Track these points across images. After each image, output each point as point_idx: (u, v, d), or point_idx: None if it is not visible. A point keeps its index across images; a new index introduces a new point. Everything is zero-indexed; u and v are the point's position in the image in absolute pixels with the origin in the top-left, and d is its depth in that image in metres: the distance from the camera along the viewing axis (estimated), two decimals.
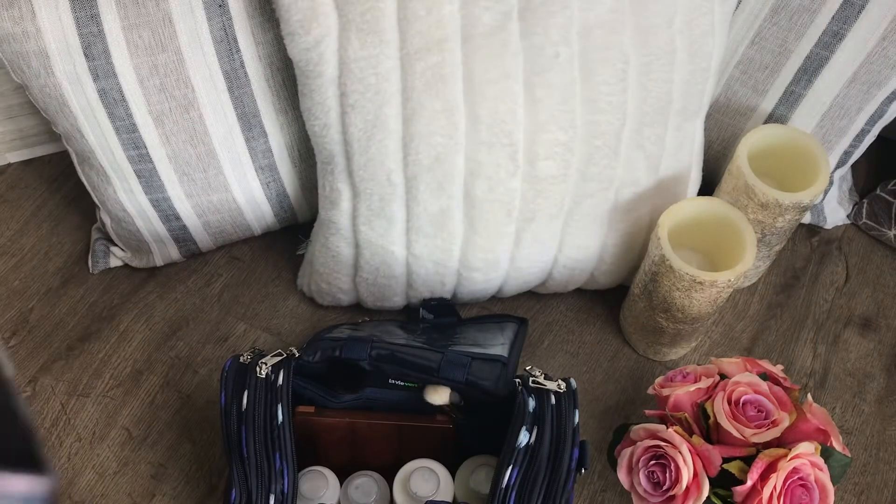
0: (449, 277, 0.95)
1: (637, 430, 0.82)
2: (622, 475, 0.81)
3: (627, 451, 0.82)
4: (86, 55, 0.82)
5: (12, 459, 0.32)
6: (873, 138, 1.05)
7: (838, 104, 0.99)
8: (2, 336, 1.01)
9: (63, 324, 1.02)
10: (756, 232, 0.95)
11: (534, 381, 0.79)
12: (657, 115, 0.86)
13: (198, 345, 1.02)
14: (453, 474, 0.83)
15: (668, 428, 0.79)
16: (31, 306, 1.03)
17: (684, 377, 0.84)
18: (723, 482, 0.78)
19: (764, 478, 0.75)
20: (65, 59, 0.82)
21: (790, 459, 0.75)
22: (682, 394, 0.81)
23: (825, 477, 0.76)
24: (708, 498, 0.77)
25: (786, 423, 0.78)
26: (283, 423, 0.77)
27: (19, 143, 1.12)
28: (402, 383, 0.85)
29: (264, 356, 0.83)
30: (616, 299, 1.06)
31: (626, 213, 0.93)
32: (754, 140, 0.95)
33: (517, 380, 0.80)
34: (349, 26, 0.77)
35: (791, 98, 0.99)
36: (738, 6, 0.96)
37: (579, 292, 1.06)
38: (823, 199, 1.10)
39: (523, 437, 0.75)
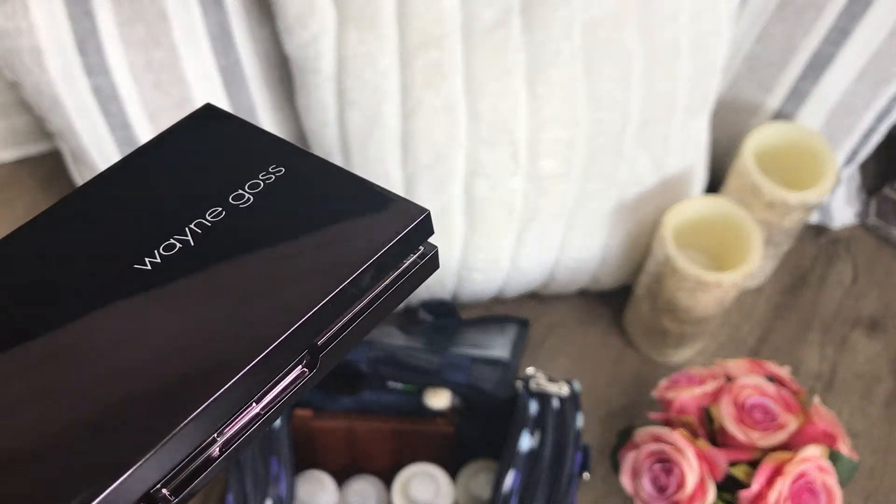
0: (449, 278, 0.94)
1: (641, 433, 0.81)
2: (625, 479, 0.80)
3: (631, 454, 0.81)
4: (79, 51, 0.81)
5: None
6: (881, 136, 1.04)
7: (845, 101, 0.98)
8: None
9: None
10: (762, 231, 0.94)
11: (536, 384, 0.78)
12: (662, 113, 0.85)
13: None
14: (454, 478, 0.83)
15: (672, 431, 0.78)
16: None
17: (689, 380, 0.83)
18: (728, 486, 0.77)
19: (770, 482, 0.75)
20: (58, 55, 0.81)
21: (796, 463, 0.74)
22: (687, 397, 0.80)
23: (832, 481, 0.76)
24: (713, 502, 0.76)
25: (792, 427, 0.77)
26: (279, 426, 0.76)
27: (11, 141, 1.11)
28: (402, 386, 0.84)
29: None
30: (619, 300, 1.04)
31: (630, 213, 0.92)
32: (760, 138, 0.94)
33: (519, 382, 0.79)
34: (347, 22, 0.76)
35: (798, 95, 0.98)
36: (743, 1, 0.95)
37: (582, 293, 1.05)
38: (830, 198, 1.09)
39: (525, 441, 0.74)
